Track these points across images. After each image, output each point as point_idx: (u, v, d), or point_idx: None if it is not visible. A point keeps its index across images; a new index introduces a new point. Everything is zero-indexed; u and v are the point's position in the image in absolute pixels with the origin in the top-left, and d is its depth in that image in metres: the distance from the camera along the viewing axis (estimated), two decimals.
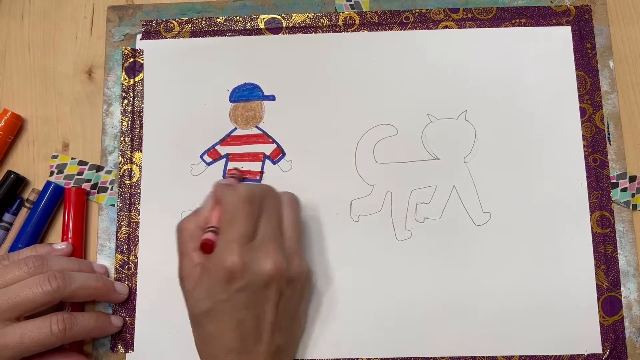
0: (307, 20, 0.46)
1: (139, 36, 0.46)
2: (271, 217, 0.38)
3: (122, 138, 0.45)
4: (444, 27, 0.45)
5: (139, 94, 0.45)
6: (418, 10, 0.46)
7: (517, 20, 0.45)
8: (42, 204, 0.43)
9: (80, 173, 0.44)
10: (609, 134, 0.44)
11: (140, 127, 0.45)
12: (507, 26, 0.45)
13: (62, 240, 0.42)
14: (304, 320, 0.41)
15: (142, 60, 0.45)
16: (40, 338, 0.36)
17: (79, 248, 0.42)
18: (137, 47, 0.46)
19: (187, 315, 0.38)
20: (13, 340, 0.35)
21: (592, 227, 0.42)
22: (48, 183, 0.43)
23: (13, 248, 0.42)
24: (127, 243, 0.43)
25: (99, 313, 0.40)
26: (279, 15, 0.46)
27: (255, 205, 0.37)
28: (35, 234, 0.42)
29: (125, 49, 0.46)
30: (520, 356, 0.41)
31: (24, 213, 0.43)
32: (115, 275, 0.43)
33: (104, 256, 0.43)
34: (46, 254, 0.40)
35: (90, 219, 0.44)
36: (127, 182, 0.44)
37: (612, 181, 0.43)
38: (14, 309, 0.36)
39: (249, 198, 0.37)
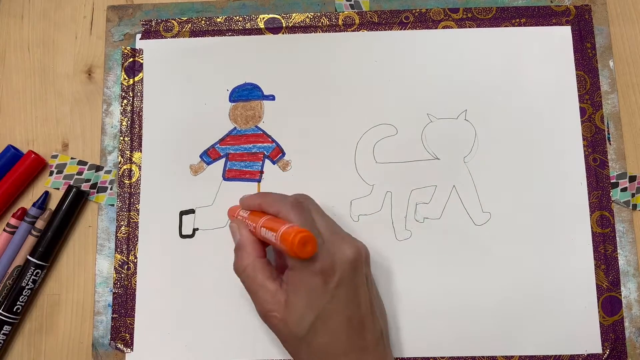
0: (307, 20, 0.46)
1: (138, 36, 0.46)
2: (321, 214, 0.37)
3: (121, 138, 0.44)
4: (443, 27, 0.45)
5: (139, 94, 0.45)
6: (418, 10, 0.46)
7: (517, 20, 0.45)
8: None
9: (79, 173, 0.44)
10: (608, 133, 0.44)
11: (140, 126, 0.45)
12: (507, 26, 0.45)
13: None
14: (381, 299, 0.41)
15: (142, 60, 0.45)
16: None
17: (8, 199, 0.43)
18: (137, 47, 0.46)
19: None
20: None
21: (592, 227, 0.42)
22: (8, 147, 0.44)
23: None
24: (127, 243, 0.43)
25: None
26: (279, 15, 0.46)
27: (304, 205, 0.36)
28: None
29: (125, 48, 0.46)
30: (520, 356, 0.41)
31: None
32: (115, 275, 0.43)
33: (104, 256, 0.43)
34: None
35: (90, 218, 0.44)
36: (127, 181, 0.44)
37: (612, 181, 0.43)
38: None
39: (297, 201, 0.36)
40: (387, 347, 0.37)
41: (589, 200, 0.43)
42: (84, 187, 0.44)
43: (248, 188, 0.43)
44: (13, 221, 0.43)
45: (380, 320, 0.37)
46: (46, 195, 0.44)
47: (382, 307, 0.40)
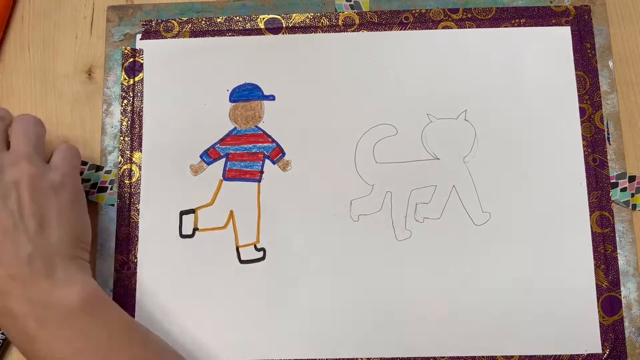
0: (307, 20, 0.46)
1: (138, 36, 0.46)
2: None
3: (121, 138, 0.45)
4: (443, 27, 0.45)
5: (139, 94, 0.45)
6: (418, 11, 0.46)
7: (517, 21, 0.45)
8: None
9: (80, 173, 0.44)
10: (608, 134, 0.44)
11: (140, 126, 0.45)
12: (507, 26, 0.45)
13: None
14: (63, 227, 0.37)
15: (142, 60, 0.45)
16: None
17: None
18: (137, 47, 0.46)
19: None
20: None
21: (591, 227, 0.42)
22: None
23: None
24: (127, 243, 0.43)
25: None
26: (279, 15, 0.46)
27: None
28: None
29: (125, 48, 0.46)
30: (520, 356, 0.41)
31: None
32: (115, 275, 0.43)
33: (104, 256, 0.43)
34: None
35: (89, 218, 0.44)
36: (127, 181, 0.44)
37: (611, 181, 0.43)
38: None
39: None
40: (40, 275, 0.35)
41: (589, 200, 0.43)
42: (84, 187, 0.44)
43: (248, 188, 0.43)
44: None
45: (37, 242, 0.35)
46: None
47: (51, 235, 0.36)
